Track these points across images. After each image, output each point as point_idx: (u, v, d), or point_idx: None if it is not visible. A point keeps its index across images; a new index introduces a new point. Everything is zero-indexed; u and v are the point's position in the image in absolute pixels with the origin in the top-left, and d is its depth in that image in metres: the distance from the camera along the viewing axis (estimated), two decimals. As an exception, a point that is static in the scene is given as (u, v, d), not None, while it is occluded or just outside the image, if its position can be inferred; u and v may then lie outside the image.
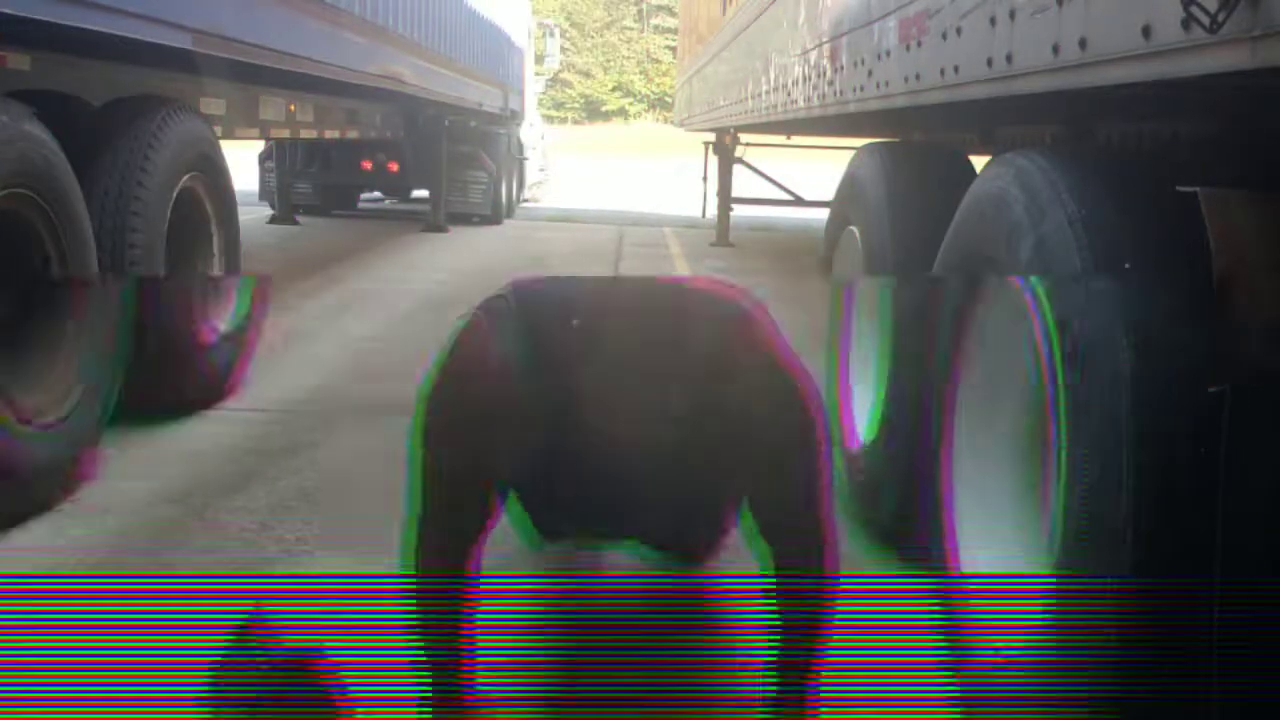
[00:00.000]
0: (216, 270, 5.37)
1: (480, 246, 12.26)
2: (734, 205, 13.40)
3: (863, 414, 3.94)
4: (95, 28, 4.06)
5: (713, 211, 13.75)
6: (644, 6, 58.60)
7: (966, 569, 2.63)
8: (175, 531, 3.57)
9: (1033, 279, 2.24)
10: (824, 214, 4.77)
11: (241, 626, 2.27)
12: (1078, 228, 2.04)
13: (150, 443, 4.44)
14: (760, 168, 13.46)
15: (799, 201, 13.59)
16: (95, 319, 4.09)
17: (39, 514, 3.63)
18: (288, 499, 3.90)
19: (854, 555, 3.64)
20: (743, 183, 13.53)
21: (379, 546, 3.39)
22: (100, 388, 4.08)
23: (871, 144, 4.07)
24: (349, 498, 3.95)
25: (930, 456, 2.91)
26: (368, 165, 13.58)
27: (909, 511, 3.22)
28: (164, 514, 3.72)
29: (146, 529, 3.59)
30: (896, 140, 4.41)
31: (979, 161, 3.23)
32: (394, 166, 13.61)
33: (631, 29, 60.02)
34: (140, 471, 4.11)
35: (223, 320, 5.23)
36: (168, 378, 4.65)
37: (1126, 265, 1.95)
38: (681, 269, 10.95)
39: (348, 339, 6.83)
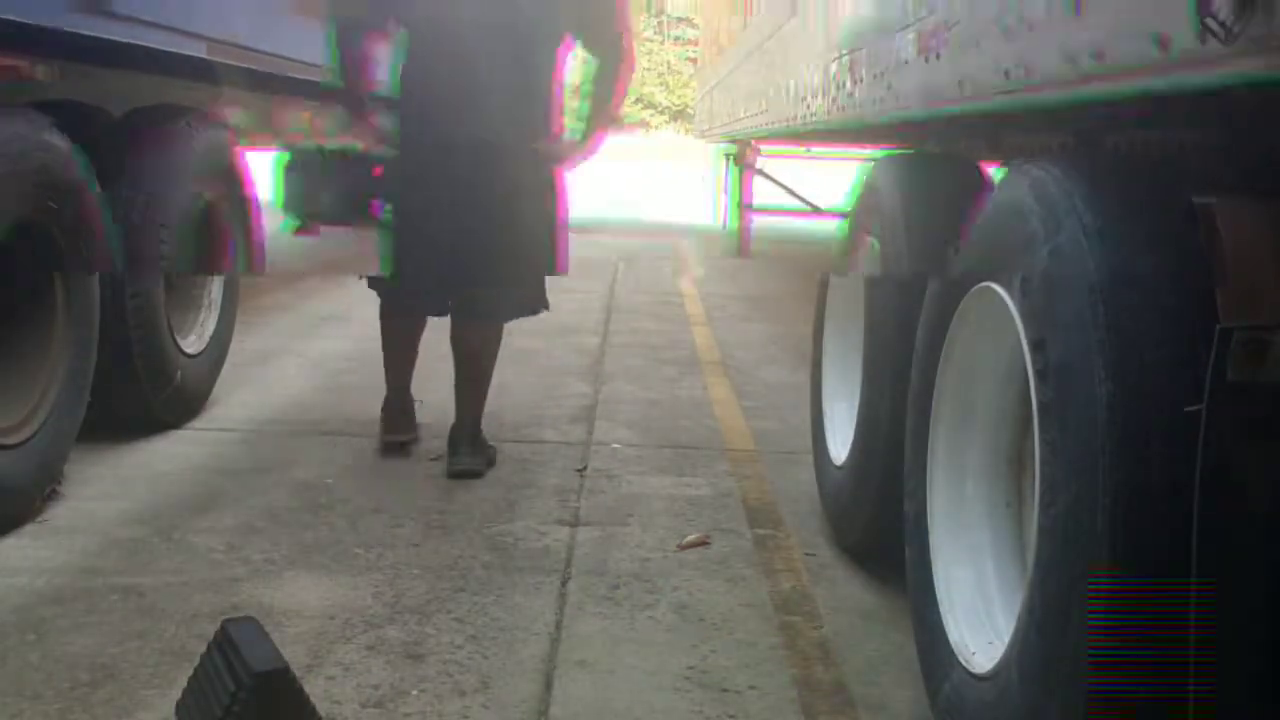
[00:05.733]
0: (239, 279, 5.40)
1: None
2: (753, 216, 13.39)
3: (839, 433, 3.90)
4: (116, 38, 4.09)
5: (732, 222, 13.73)
6: (664, 19, 58.64)
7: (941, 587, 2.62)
8: (142, 552, 3.52)
9: (1012, 293, 2.23)
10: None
11: None
12: (1093, 238, 2.03)
13: (118, 461, 4.36)
14: (778, 178, 13.45)
15: (817, 211, 13.57)
16: (65, 334, 4.01)
17: (4, 535, 3.58)
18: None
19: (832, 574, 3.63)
20: (761, 193, 13.51)
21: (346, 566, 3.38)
22: (68, 406, 4.00)
23: (888, 155, 4.06)
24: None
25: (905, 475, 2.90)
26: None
27: (885, 530, 3.20)
28: (132, 534, 3.65)
29: (114, 550, 3.53)
30: (913, 151, 4.39)
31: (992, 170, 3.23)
32: None
33: (652, 41, 60.12)
34: (108, 491, 4.03)
35: (198, 335, 5.17)
36: (138, 394, 4.59)
37: (1137, 274, 1.94)
38: (700, 274, 10.93)
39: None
